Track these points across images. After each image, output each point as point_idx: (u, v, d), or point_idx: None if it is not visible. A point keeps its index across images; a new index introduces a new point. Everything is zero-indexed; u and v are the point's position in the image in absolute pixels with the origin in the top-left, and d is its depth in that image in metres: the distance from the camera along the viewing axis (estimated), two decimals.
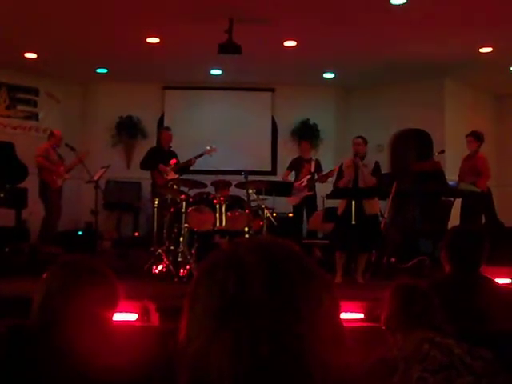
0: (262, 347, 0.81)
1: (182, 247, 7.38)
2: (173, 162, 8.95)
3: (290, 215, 9.90)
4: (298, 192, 9.37)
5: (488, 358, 1.94)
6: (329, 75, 11.39)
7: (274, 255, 0.88)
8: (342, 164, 7.64)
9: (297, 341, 0.83)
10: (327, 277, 0.92)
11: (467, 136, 8.76)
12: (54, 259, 1.79)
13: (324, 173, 9.22)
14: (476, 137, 8.68)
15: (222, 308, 0.84)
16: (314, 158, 9.73)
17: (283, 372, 0.81)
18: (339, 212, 7.40)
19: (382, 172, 8.17)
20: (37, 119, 11.57)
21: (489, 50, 9.41)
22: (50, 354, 1.67)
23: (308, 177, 9.36)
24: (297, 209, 9.52)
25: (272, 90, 12.18)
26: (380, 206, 7.68)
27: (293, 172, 9.74)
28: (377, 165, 7.41)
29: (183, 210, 7.50)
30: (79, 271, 1.84)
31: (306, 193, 9.38)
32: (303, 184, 9.37)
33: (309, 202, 9.45)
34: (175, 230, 7.78)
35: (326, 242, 8.53)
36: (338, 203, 7.56)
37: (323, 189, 9.17)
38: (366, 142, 7.49)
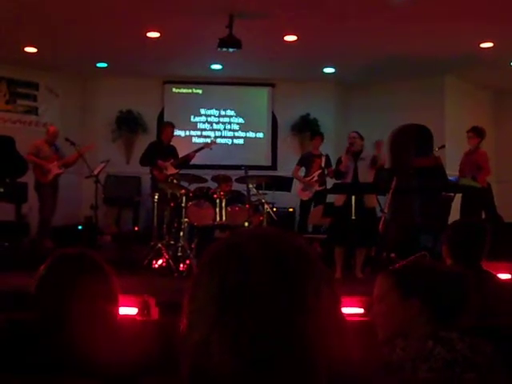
0: (263, 337, 0.81)
1: (181, 242, 7.40)
2: (172, 171, 8.85)
3: (290, 210, 9.91)
4: (310, 187, 9.41)
5: (489, 352, 1.94)
6: (329, 70, 11.37)
7: (275, 245, 0.89)
8: (339, 157, 7.69)
9: (297, 330, 0.83)
10: (327, 269, 0.93)
11: (468, 131, 8.75)
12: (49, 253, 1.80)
13: (334, 168, 9.23)
14: (477, 132, 8.66)
15: (223, 296, 0.84)
16: (323, 153, 9.74)
17: (284, 361, 0.82)
18: (338, 204, 7.42)
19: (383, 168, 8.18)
20: (37, 114, 11.55)
21: (489, 45, 9.39)
22: (48, 346, 1.67)
23: (319, 172, 9.40)
24: (305, 203, 9.57)
25: (272, 85, 12.17)
26: (380, 202, 7.70)
27: (303, 168, 9.75)
28: (374, 158, 7.43)
29: (183, 205, 7.52)
30: (75, 264, 1.83)
31: (318, 188, 9.42)
32: (314, 179, 9.41)
33: (318, 197, 9.48)
34: (175, 225, 7.80)
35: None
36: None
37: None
38: (361, 137, 7.52)
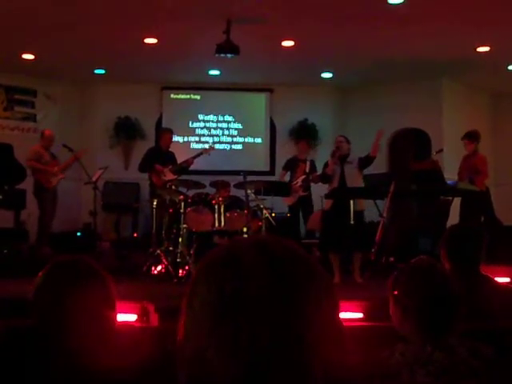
0: (261, 343, 0.81)
1: (180, 248, 7.39)
2: (170, 177, 8.83)
3: (289, 215, 9.90)
4: (293, 192, 9.37)
5: (489, 356, 1.94)
6: (327, 75, 11.39)
7: (272, 252, 0.88)
8: (326, 162, 7.70)
9: (295, 337, 0.83)
10: (327, 275, 0.93)
11: (462, 138, 8.78)
12: (48, 260, 1.81)
13: (318, 174, 9.21)
14: (471, 137, 8.69)
15: (220, 304, 0.84)
16: (308, 158, 9.73)
17: (282, 368, 0.82)
18: (326, 208, 7.46)
19: (380, 172, 8.21)
20: (35, 120, 11.56)
21: (486, 49, 9.42)
22: (47, 353, 1.67)
23: (303, 177, 9.35)
24: (292, 209, 9.53)
25: (270, 91, 12.18)
26: (378, 206, 7.71)
27: (288, 172, 9.73)
28: (361, 160, 7.44)
29: (182, 211, 7.51)
30: (71, 270, 1.84)
31: (301, 193, 9.37)
32: (298, 184, 9.37)
33: (304, 203, 9.45)
34: (174, 231, 7.79)
35: None
36: None
37: (322, 189, 9.18)
38: (348, 141, 7.53)
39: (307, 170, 9.38)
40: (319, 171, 8.79)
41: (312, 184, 9.24)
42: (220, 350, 0.82)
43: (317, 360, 0.83)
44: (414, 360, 1.95)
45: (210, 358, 0.83)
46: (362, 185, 7.52)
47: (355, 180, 7.38)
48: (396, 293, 2.14)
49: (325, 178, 7.66)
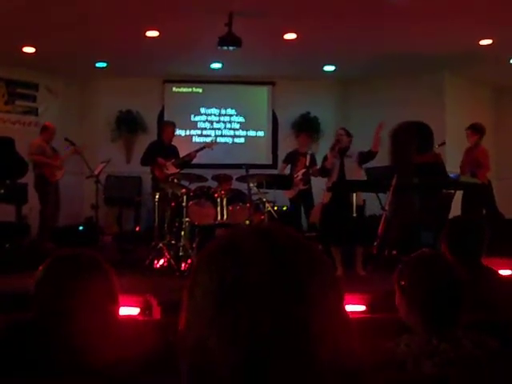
0: (261, 330, 0.80)
1: (183, 241, 7.40)
2: (173, 170, 8.81)
3: (287, 207, 9.90)
4: (294, 186, 9.36)
5: (494, 348, 1.94)
6: (329, 68, 11.37)
7: (273, 239, 0.88)
8: (325, 156, 7.66)
9: (297, 324, 0.82)
10: (329, 263, 0.92)
11: (466, 129, 8.77)
12: (50, 254, 1.81)
13: (318, 167, 9.19)
14: (475, 129, 8.67)
15: (221, 293, 0.84)
16: (309, 151, 9.71)
17: (283, 356, 0.81)
18: (324, 201, 7.44)
19: (383, 165, 8.19)
20: (36, 114, 11.55)
21: (489, 42, 9.39)
22: (48, 347, 1.67)
23: (303, 171, 9.33)
24: (293, 202, 9.53)
25: (272, 84, 12.17)
26: (381, 199, 7.70)
27: (288, 166, 9.72)
28: (361, 155, 7.41)
29: (184, 204, 7.51)
30: (73, 263, 1.83)
31: (301, 187, 9.35)
32: (298, 178, 9.36)
33: (305, 196, 9.44)
34: (176, 224, 7.79)
35: None
36: None
37: (323, 182, 9.17)
38: (348, 134, 7.49)
39: (307, 164, 9.36)
40: (319, 165, 8.78)
41: (312, 177, 9.23)
42: (221, 338, 0.82)
43: (323, 349, 0.83)
44: (420, 352, 1.95)
45: (212, 347, 0.82)
46: (362, 178, 7.51)
47: (354, 174, 7.34)
48: (403, 283, 2.15)
49: (324, 172, 7.63)
